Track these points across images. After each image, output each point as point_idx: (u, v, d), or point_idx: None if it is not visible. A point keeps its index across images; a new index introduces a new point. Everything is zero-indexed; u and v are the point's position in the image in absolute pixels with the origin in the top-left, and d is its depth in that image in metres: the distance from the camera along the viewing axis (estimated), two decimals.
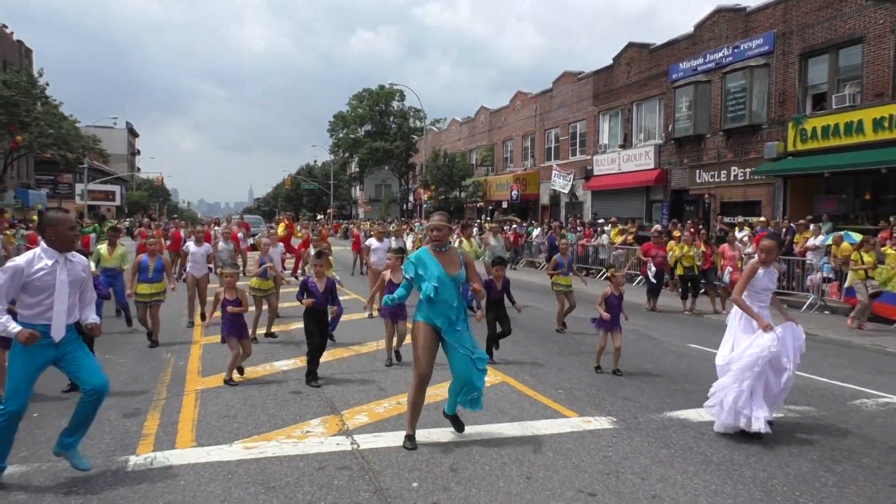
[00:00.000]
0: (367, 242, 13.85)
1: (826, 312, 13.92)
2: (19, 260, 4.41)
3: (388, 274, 8.10)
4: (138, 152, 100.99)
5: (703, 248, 14.47)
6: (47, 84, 30.37)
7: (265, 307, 10.08)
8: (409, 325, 6.02)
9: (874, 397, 6.89)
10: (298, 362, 8.12)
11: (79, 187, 56.95)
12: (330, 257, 11.82)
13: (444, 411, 5.54)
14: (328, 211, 69.06)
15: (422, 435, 5.31)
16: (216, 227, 21.12)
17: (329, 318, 7.45)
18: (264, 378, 7.40)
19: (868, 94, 18.58)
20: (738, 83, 22.83)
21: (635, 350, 7.51)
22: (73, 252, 4.63)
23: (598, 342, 7.95)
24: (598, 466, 4.70)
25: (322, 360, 7.69)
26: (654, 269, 14.19)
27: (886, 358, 9.35)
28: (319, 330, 7.16)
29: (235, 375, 7.22)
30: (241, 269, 16.05)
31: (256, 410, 6.08)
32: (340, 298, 7.83)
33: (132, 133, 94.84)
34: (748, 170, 22.36)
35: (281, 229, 19.96)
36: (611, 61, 30.59)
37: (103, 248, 10.61)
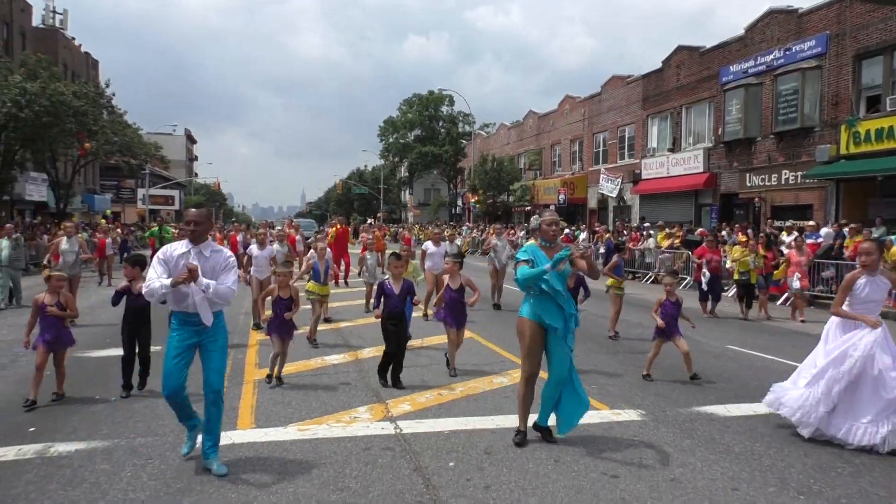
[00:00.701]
0: (423, 247, 13.75)
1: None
2: (168, 246, 4.87)
3: (446, 278, 7.86)
4: (196, 158, 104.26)
5: (761, 251, 14.05)
6: (113, 94, 31.96)
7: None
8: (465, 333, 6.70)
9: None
10: (347, 357, 8.63)
11: (140, 192, 59.36)
12: (412, 261, 11.97)
13: (536, 422, 5.47)
14: (378, 215, 70.12)
15: (459, 422, 5.72)
16: (271, 231, 21.90)
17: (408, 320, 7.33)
18: (316, 371, 7.91)
19: None
20: (789, 85, 22.56)
21: (673, 351, 7.70)
22: (213, 245, 4.83)
23: (651, 350, 7.68)
24: (623, 453, 5.02)
25: (369, 356, 8.17)
26: (707, 274, 13.80)
27: None
28: (397, 335, 7.04)
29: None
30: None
31: (309, 398, 6.58)
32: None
33: (190, 139, 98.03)
34: (799, 173, 22.06)
35: (331, 234, 19.74)
36: (660, 64, 30.50)
37: None
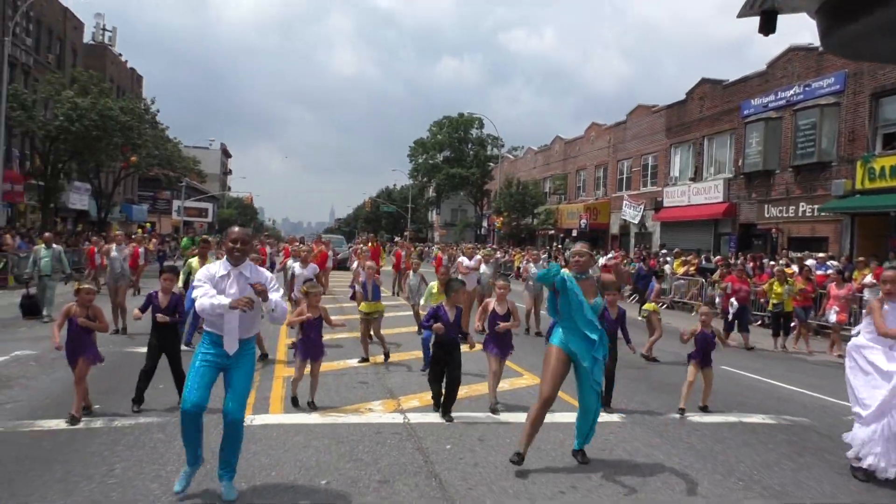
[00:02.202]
0: (459, 260, 14.03)
1: None
2: (210, 266, 4.71)
3: (492, 303, 7.28)
4: (230, 172, 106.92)
5: (801, 284, 13.93)
6: (158, 111, 33.63)
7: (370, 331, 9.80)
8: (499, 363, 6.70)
9: (811, 396, 7.89)
10: (369, 363, 9.50)
11: (176, 203, 61.34)
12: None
13: (573, 449, 5.58)
14: (405, 233, 71.35)
15: (460, 416, 6.57)
16: (300, 245, 22.79)
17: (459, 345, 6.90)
18: (338, 371, 8.81)
19: None
20: (808, 121, 23.17)
21: (669, 370, 8.31)
22: (253, 266, 4.67)
23: (688, 377, 7.38)
24: (596, 445, 5.79)
25: (379, 359, 8.98)
26: (735, 304, 13.32)
27: None
28: (448, 362, 6.58)
29: (304, 413, 6.66)
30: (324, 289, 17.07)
31: (331, 392, 7.48)
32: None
33: (225, 153, 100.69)
34: (816, 206, 22.58)
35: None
36: (684, 96, 31.24)
37: (195, 261, 10.35)
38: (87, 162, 31.02)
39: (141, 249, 19.82)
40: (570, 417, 6.61)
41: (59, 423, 5.94)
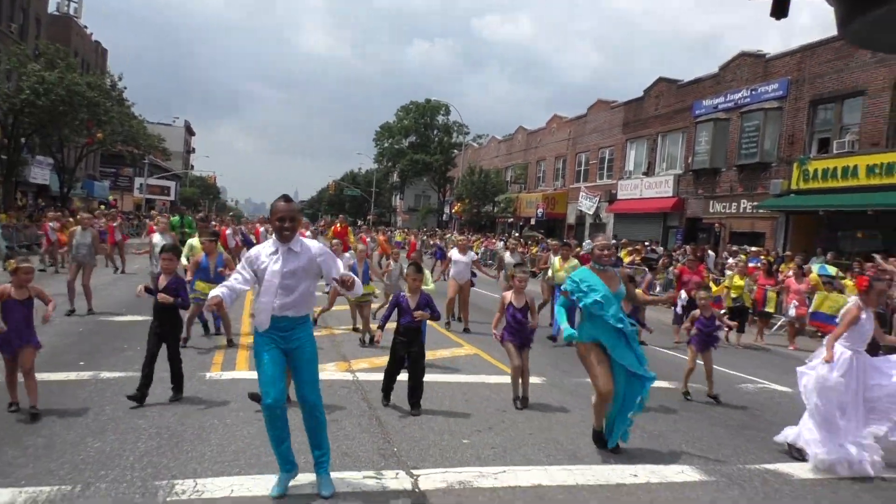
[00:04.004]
0: (449, 254, 13.43)
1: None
2: (254, 249, 4.56)
3: (508, 296, 7.03)
4: (193, 150, 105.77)
5: (746, 277, 13.57)
6: (125, 88, 33.65)
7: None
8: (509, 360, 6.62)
9: (754, 382, 8.96)
10: (323, 332, 10.39)
11: (138, 181, 60.93)
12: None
13: (608, 446, 5.63)
14: (368, 217, 71.90)
15: (403, 376, 7.45)
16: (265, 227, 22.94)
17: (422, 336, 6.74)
18: None
19: (864, 142, 20.21)
20: (752, 123, 24.57)
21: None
22: (302, 242, 4.45)
23: (688, 363, 7.67)
24: (492, 407, 6.80)
25: (341, 332, 9.83)
26: (684, 296, 12.57)
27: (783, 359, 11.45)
28: (407, 352, 6.41)
29: None
30: None
31: None
32: None
33: (189, 131, 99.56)
34: (755, 203, 24.06)
35: (330, 234, 19.43)
36: (641, 93, 32.51)
37: (195, 240, 10.17)
38: (50, 136, 30.98)
39: (115, 225, 19.71)
40: (498, 379, 7.65)
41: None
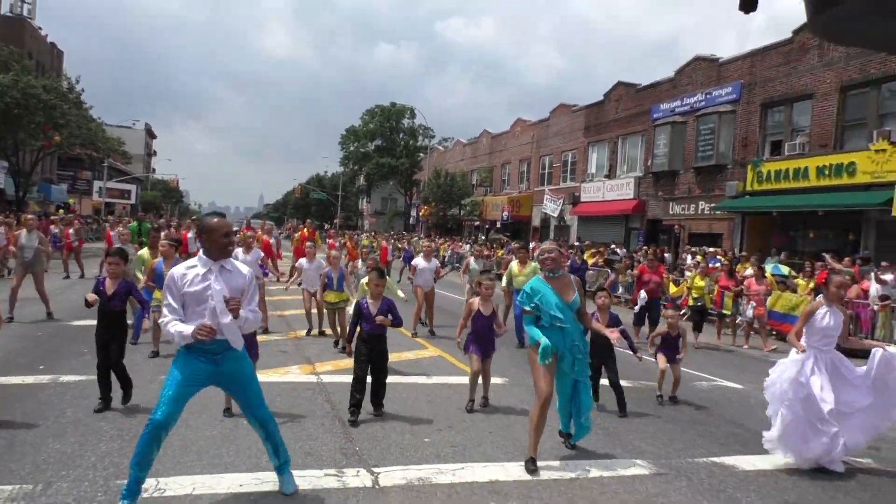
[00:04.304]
0: (413, 262, 12.88)
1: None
2: (174, 270, 4.19)
3: (476, 303, 6.94)
4: (155, 153, 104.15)
5: (707, 278, 13.43)
6: (82, 90, 33.10)
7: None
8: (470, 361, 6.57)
9: (708, 380, 9.28)
10: (287, 336, 10.48)
11: (97, 184, 59.72)
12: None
13: (560, 430, 5.84)
14: (334, 220, 71.63)
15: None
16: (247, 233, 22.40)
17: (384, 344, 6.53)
18: (261, 342, 9.72)
19: (814, 144, 20.89)
20: (708, 126, 25.20)
21: None
22: (230, 261, 4.28)
23: (659, 365, 7.71)
24: (454, 407, 6.95)
25: (305, 336, 9.93)
26: (644, 295, 12.72)
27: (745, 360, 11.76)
28: (370, 358, 6.30)
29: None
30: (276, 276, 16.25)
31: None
32: None
33: (150, 134, 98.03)
34: (713, 205, 24.69)
35: (296, 238, 19.19)
36: (602, 97, 33.06)
37: (145, 252, 9.81)
38: (4, 139, 30.35)
39: (71, 231, 18.88)
40: (461, 380, 7.82)
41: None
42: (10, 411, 5.70)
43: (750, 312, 13.81)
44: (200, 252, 4.20)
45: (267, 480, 4.53)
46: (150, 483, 4.34)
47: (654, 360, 7.91)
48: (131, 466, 3.98)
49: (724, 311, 15.45)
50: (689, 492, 5.00)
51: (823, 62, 20.64)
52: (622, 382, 7.20)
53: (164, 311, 4.09)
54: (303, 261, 11.15)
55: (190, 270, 4.11)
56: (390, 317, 6.29)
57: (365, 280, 7.79)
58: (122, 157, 52.31)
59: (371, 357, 6.27)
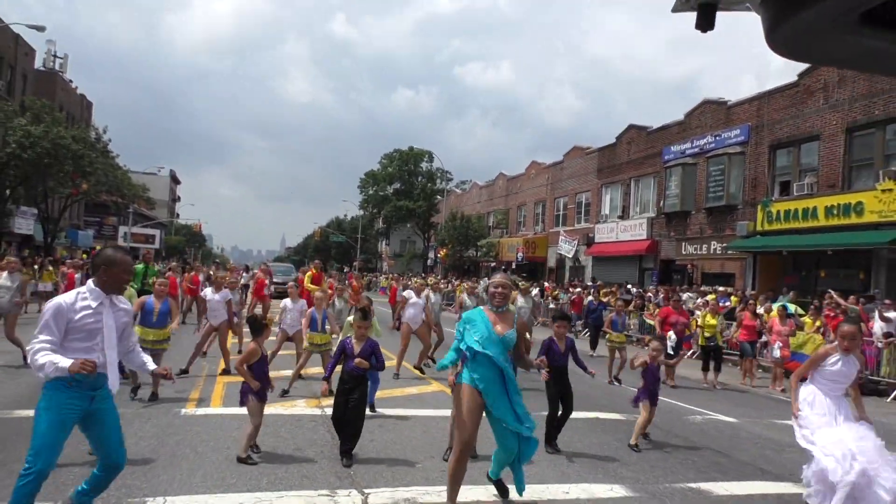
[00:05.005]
0: (404, 294, 12.65)
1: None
2: (61, 298, 3.98)
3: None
4: (179, 198, 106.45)
5: (728, 319, 13.82)
6: (109, 139, 34.40)
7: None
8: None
9: (703, 414, 9.46)
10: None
11: (122, 230, 61.15)
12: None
13: (488, 474, 5.39)
14: (353, 263, 72.41)
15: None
16: (245, 275, 22.85)
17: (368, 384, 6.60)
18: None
19: (822, 184, 21.16)
20: (718, 167, 25.59)
21: (595, 393, 9.49)
22: (120, 297, 4.23)
23: (641, 416, 7.36)
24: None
25: (315, 371, 10.33)
26: (674, 337, 12.52)
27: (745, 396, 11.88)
28: (346, 400, 6.17)
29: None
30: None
31: None
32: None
33: (174, 180, 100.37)
34: (724, 245, 24.89)
35: (307, 280, 18.71)
36: (614, 140, 33.65)
37: (131, 290, 9.65)
38: (35, 188, 31.52)
39: (77, 275, 18.24)
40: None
41: None
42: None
43: (777, 353, 13.33)
44: (90, 283, 4.07)
45: (265, 500, 4.88)
46: (157, 501, 4.72)
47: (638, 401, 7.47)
48: None
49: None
50: None
51: (829, 104, 21.04)
52: (610, 415, 7.45)
53: (39, 337, 3.80)
54: (287, 301, 10.85)
55: (81, 301, 3.96)
56: (373, 359, 6.26)
57: (350, 318, 7.86)
58: (147, 203, 53.69)
59: (348, 399, 6.13)
